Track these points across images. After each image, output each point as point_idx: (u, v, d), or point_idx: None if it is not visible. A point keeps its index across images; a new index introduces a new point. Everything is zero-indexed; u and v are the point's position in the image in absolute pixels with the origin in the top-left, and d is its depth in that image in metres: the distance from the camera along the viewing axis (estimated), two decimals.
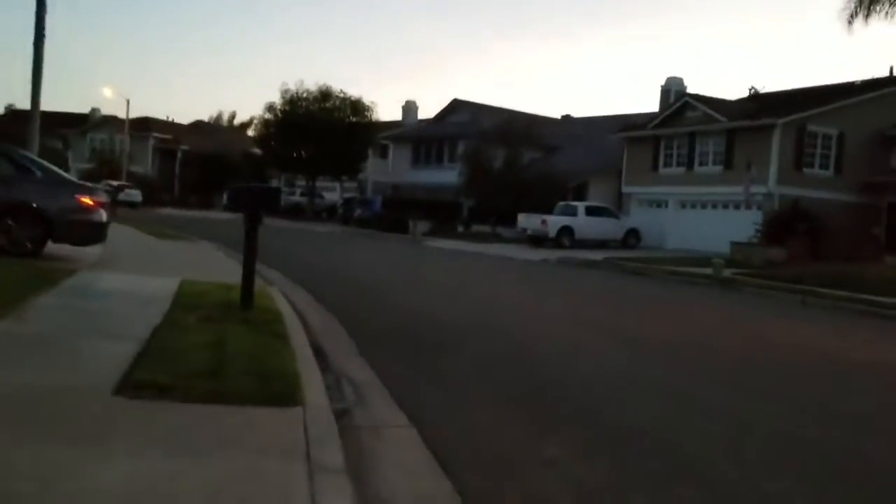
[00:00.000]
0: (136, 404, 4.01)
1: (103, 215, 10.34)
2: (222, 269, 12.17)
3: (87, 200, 10.12)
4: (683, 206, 31.56)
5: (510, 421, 5.00)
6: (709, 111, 30.31)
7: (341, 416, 4.58)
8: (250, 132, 67.58)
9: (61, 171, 10.98)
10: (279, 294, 9.67)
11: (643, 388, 6.33)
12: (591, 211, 30.64)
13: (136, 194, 44.80)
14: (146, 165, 59.12)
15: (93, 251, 10.98)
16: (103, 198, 10.51)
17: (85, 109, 67.44)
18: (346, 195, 48.34)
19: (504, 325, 9.31)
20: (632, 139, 33.94)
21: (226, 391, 4.32)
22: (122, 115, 56.63)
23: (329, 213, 47.99)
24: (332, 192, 51.85)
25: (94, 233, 10.30)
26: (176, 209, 47.24)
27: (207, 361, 4.94)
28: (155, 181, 55.65)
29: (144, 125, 60.05)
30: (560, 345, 8.31)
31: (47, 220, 9.79)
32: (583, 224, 29.76)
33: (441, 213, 37.55)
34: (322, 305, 9.60)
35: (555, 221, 29.55)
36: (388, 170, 49.17)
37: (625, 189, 34.21)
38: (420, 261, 20.93)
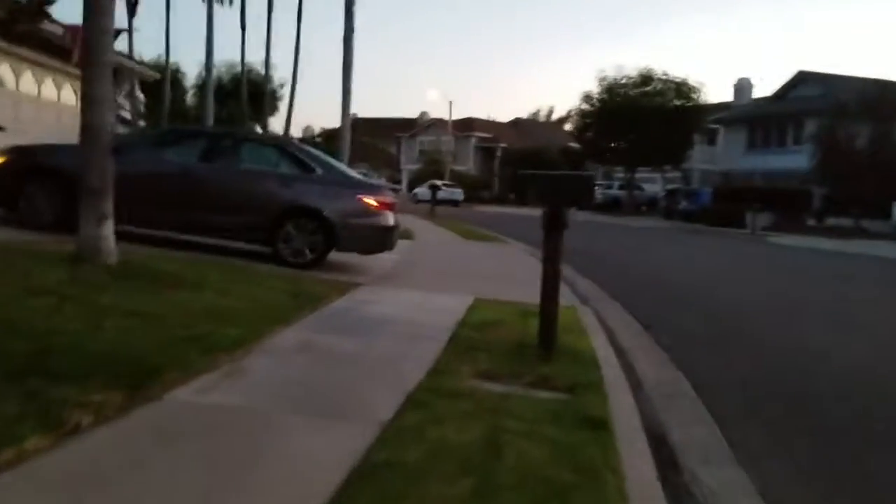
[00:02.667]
0: None
1: (390, 219, 8.77)
2: (529, 279, 10.05)
3: (370, 202, 8.62)
4: None
5: None
6: None
7: None
8: (567, 126, 66.45)
9: (342, 167, 9.72)
10: (592, 319, 7.18)
11: None
12: None
13: (458, 193, 45.83)
14: (468, 164, 60.94)
15: (387, 259, 9.54)
16: (390, 198, 8.95)
17: (415, 114, 71.95)
18: (669, 187, 44.31)
19: None
20: None
21: None
22: (446, 116, 59.08)
23: (649, 207, 44.46)
24: (652, 185, 48.11)
25: (378, 240, 8.78)
26: (494, 206, 47.45)
27: None
28: (475, 179, 56.96)
29: (467, 125, 62.03)
30: None
31: (328, 225, 8.45)
32: None
33: (784, 204, 32.02)
34: (653, 340, 6.88)
35: None
36: (717, 157, 44.12)
37: None
38: (774, 266, 16.94)
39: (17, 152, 8.47)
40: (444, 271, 10.21)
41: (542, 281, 5.26)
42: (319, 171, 8.78)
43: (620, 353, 5.99)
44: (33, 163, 8.34)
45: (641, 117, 39.96)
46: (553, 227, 5.07)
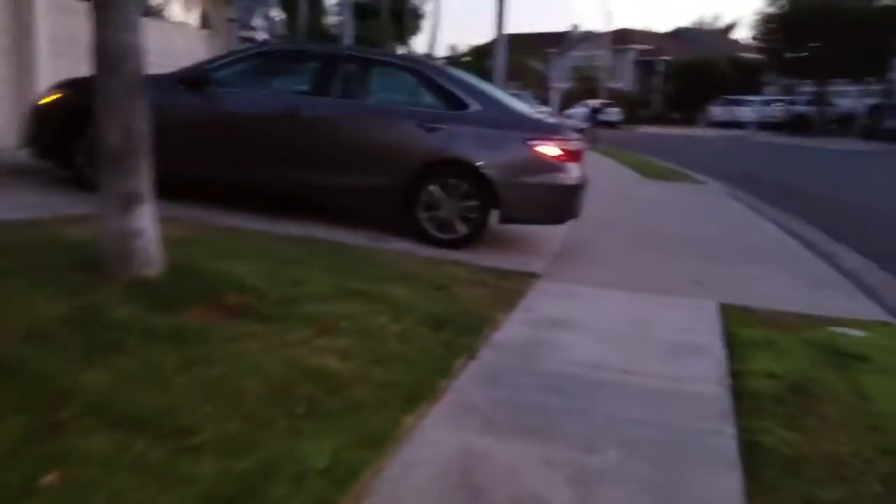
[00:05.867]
0: None
1: (575, 174, 6.03)
2: (766, 250, 7.05)
3: (548, 150, 5.90)
4: None
5: None
6: None
7: None
8: (738, 35, 59.32)
9: (506, 98, 6.95)
10: None
11: None
12: None
13: (615, 113, 41.61)
14: (626, 80, 55.85)
15: (556, 231, 6.80)
16: (576, 143, 6.17)
17: (566, 27, 66.85)
18: (871, 101, 37.84)
19: None
20: None
21: None
22: (601, 28, 54.02)
23: (841, 125, 38.33)
24: (846, 99, 41.47)
25: (558, 205, 6.08)
26: (657, 127, 42.91)
27: None
28: (635, 97, 52.09)
29: (623, 37, 56.57)
30: None
31: (488, 185, 5.86)
32: None
33: None
34: None
35: None
36: None
37: None
38: None
39: (74, 87, 6.36)
40: (642, 239, 7.37)
41: None
42: (474, 105, 6.11)
43: None
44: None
45: (836, 20, 33.81)
46: None
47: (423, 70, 6.54)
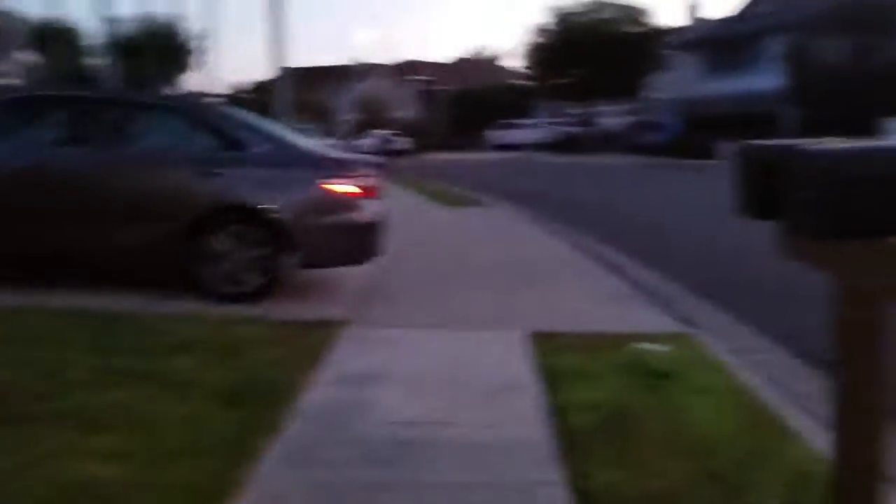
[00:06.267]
0: None
1: (373, 208, 5.77)
2: (557, 270, 7.21)
3: (341, 188, 5.59)
4: None
5: None
6: None
7: None
8: (510, 63, 63.13)
9: (291, 134, 6.56)
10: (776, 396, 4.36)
11: None
12: None
13: (404, 142, 42.42)
14: (411, 110, 57.30)
15: (360, 271, 6.45)
16: (370, 178, 5.90)
17: (349, 61, 67.45)
18: (630, 119, 41.80)
19: None
20: None
21: None
22: (384, 61, 55.09)
23: (606, 142, 41.93)
24: (608, 118, 45.51)
25: (358, 245, 5.76)
26: (444, 153, 44.31)
27: None
28: (421, 125, 53.54)
29: (406, 68, 58.21)
30: None
31: (279, 230, 5.42)
32: None
33: (756, 130, 29.76)
34: None
35: None
36: (674, 84, 41.57)
37: None
38: None
39: None
40: (447, 269, 7.26)
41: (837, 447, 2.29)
42: (257, 145, 5.66)
43: None
44: None
45: (596, 48, 37.14)
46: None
47: (195, 111, 5.97)
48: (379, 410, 3.43)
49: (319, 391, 3.68)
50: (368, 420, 3.32)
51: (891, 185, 1.47)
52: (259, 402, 3.39)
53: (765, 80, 31.62)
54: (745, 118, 30.50)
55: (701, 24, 42.75)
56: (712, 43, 38.44)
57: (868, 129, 25.72)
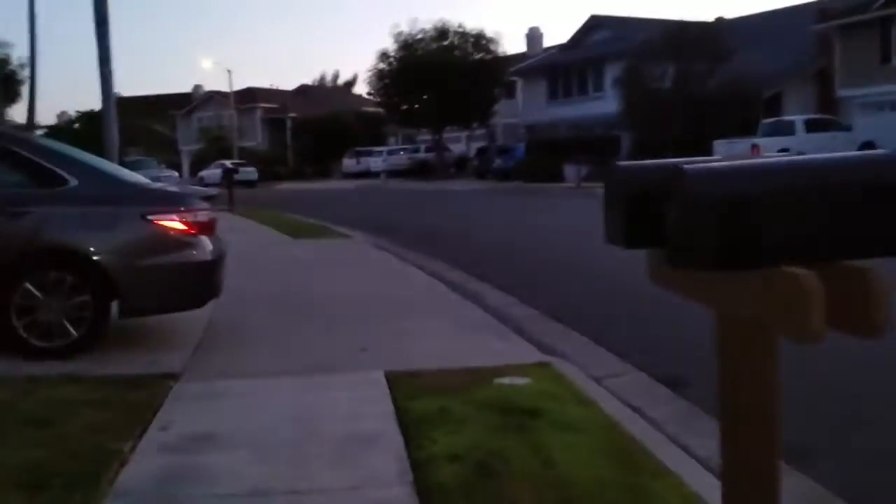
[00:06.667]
0: None
1: (208, 246, 5.24)
2: (416, 303, 6.95)
3: (172, 224, 5.04)
4: None
5: None
6: None
7: None
8: (358, 90, 63.07)
9: (114, 167, 5.93)
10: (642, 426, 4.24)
11: None
12: (812, 125, 23.75)
13: (251, 172, 40.98)
14: (256, 139, 55.74)
15: (197, 317, 5.82)
16: (205, 212, 5.37)
17: (189, 88, 64.92)
18: (477, 145, 42.82)
19: None
20: (845, 28, 26.45)
21: None
22: (224, 88, 53.33)
23: (457, 168, 42.71)
24: (458, 144, 46.42)
25: (194, 285, 5.21)
26: (294, 183, 43.35)
27: None
28: (268, 154, 52.19)
29: (249, 96, 56.64)
30: None
31: (101, 274, 4.80)
32: (804, 143, 22.78)
33: (597, 153, 31.28)
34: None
35: (768, 145, 22.80)
36: (519, 109, 43.09)
37: (841, 92, 26.89)
38: None
39: None
40: (296, 307, 6.77)
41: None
42: (74, 180, 5.00)
43: None
44: None
45: (442, 74, 37.71)
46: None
47: (4, 142, 5.23)
48: (215, 482, 2.98)
49: (144, 461, 3.17)
50: (202, 494, 2.86)
51: (790, 204, 1.29)
52: (70, 482, 2.85)
53: (603, 104, 33.34)
54: (586, 142, 32.00)
55: (541, 51, 44.76)
56: (551, 70, 40.21)
57: (698, 151, 27.68)
